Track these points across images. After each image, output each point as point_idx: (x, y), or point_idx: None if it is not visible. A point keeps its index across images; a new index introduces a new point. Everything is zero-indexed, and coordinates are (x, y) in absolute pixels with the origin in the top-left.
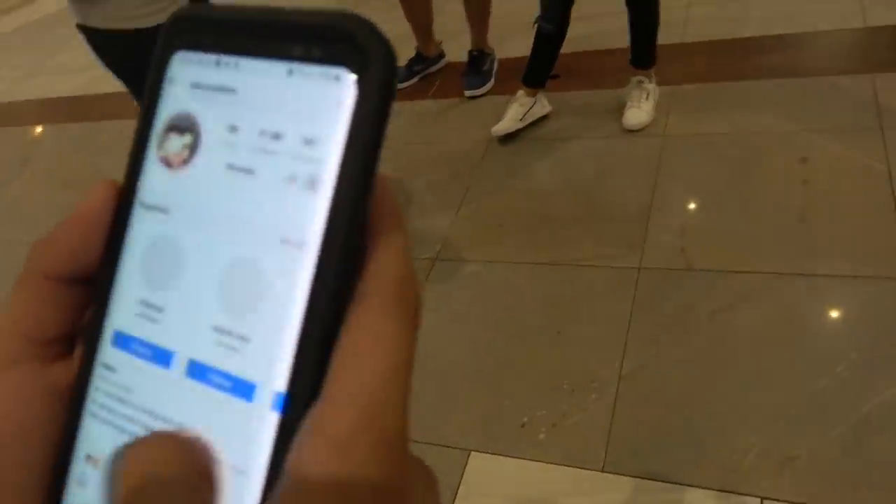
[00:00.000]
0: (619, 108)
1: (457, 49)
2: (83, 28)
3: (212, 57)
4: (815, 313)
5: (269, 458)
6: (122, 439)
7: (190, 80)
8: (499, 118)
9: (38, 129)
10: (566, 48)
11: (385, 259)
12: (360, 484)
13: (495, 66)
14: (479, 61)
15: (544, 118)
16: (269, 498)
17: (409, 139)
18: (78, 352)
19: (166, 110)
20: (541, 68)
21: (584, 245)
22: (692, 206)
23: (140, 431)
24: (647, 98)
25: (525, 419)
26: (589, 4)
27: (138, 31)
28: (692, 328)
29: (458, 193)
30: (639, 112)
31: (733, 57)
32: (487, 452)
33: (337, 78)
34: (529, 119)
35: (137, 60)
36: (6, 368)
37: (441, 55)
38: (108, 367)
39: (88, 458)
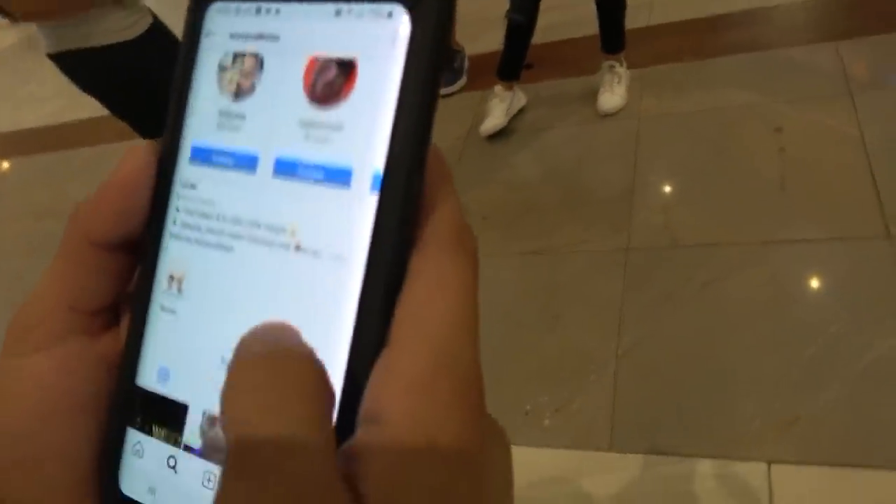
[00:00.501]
0: (593, 94)
1: None
2: (57, 55)
3: (251, 5)
4: (803, 278)
5: (370, 243)
6: (210, 255)
7: (229, 30)
8: (476, 114)
9: (6, 164)
10: (537, 38)
11: (442, 209)
12: (444, 428)
13: (466, 62)
14: (449, 58)
15: (521, 110)
16: (352, 436)
17: None
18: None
19: (210, 60)
20: (514, 60)
21: (570, 231)
22: (673, 183)
23: (229, 243)
24: (619, 82)
25: (528, 407)
26: None
27: (122, 44)
28: (684, 303)
29: None
30: (612, 96)
31: (700, 36)
32: None
33: (390, 14)
34: (513, 112)
35: (121, 74)
36: (54, 344)
37: None
38: (189, 185)
39: (171, 278)
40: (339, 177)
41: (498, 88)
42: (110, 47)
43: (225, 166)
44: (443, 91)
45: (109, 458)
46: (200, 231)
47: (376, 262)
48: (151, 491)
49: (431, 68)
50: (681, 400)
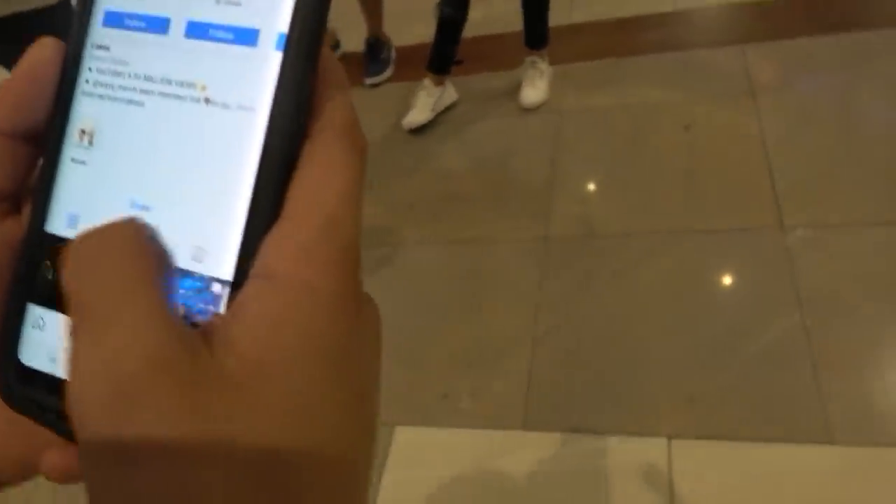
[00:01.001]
0: (516, 89)
1: (354, 39)
2: None
3: None
4: (707, 265)
5: (273, 95)
6: (122, 110)
7: None
8: (402, 105)
9: None
10: (468, 32)
11: (334, 104)
12: (324, 285)
13: (393, 53)
14: (376, 49)
15: (451, 105)
16: (239, 289)
17: None
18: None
19: None
20: (445, 54)
21: (492, 221)
22: (590, 176)
23: (140, 98)
24: (541, 77)
25: (446, 391)
26: None
27: (47, 9)
28: (598, 289)
29: (366, 180)
30: (534, 91)
31: (618, 35)
32: (411, 426)
33: None
34: (440, 108)
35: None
36: None
37: (336, 46)
38: (101, 47)
39: (82, 132)
40: (246, 37)
41: (427, 82)
42: (36, 12)
43: (137, 29)
44: (369, 81)
45: (9, 331)
46: (112, 88)
47: (279, 113)
48: (52, 360)
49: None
50: (593, 381)
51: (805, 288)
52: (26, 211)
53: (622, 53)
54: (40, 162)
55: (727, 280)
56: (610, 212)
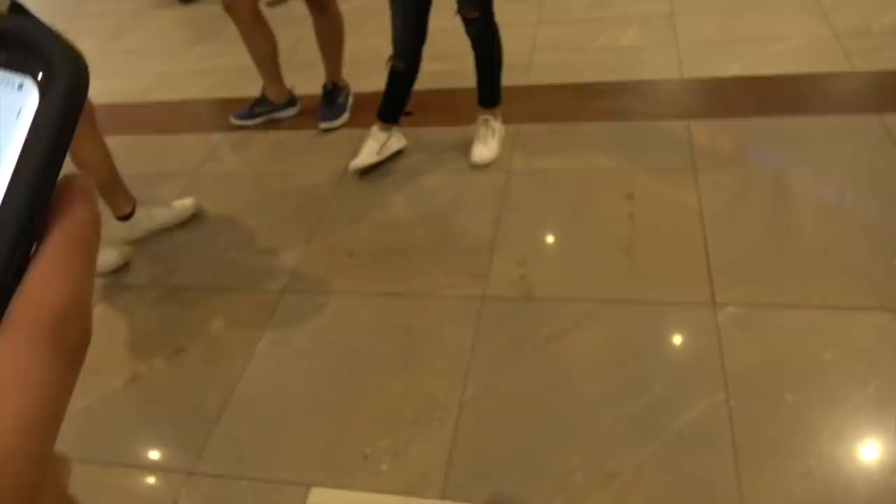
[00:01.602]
0: (469, 145)
1: (311, 82)
2: None
3: None
4: (638, 337)
5: None
6: None
7: None
8: (354, 151)
9: None
10: (422, 85)
11: (46, 283)
12: None
13: (350, 99)
14: (333, 95)
15: (399, 152)
16: None
17: (260, 170)
18: None
19: None
20: (394, 105)
21: (431, 275)
22: (532, 237)
23: None
24: (493, 136)
25: (368, 451)
26: (444, 44)
27: None
28: (529, 354)
29: (310, 225)
30: (485, 148)
31: (570, 100)
32: (328, 487)
33: (20, 86)
34: (386, 153)
35: None
36: None
37: (292, 102)
38: None
39: None
40: None
41: (375, 128)
42: None
43: None
44: (325, 126)
45: None
46: None
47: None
48: None
49: (49, 149)
50: (515, 449)
51: (732, 367)
52: None
53: (574, 118)
54: None
55: (656, 354)
56: (548, 276)
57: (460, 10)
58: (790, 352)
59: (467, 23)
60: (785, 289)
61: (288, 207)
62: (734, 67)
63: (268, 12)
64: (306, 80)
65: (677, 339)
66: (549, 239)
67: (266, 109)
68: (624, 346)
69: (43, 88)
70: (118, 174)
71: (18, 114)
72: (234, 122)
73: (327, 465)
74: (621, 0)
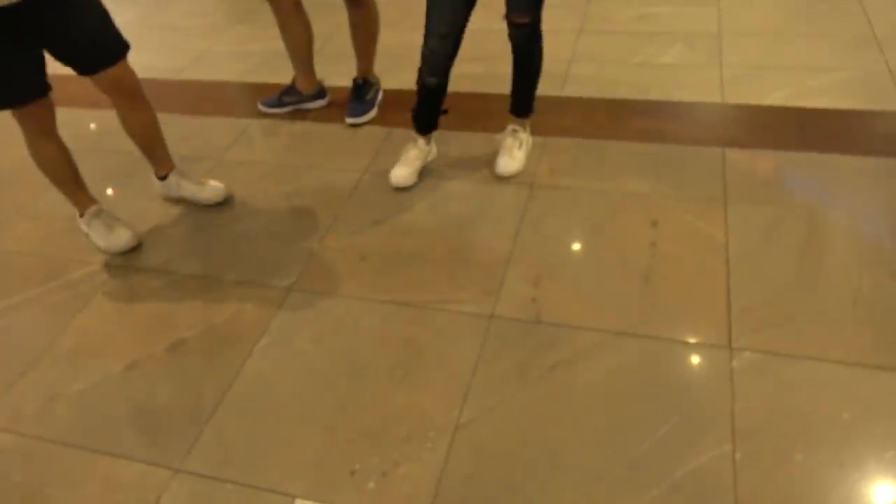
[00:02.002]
0: (495, 153)
1: (342, 74)
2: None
3: None
4: (647, 375)
5: None
6: None
7: None
8: (378, 147)
9: None
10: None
11: None
12: None
13: (379, 95)
14: (363, 90)
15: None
16: None
17: (283, 160)
18: None
19: None
20: (431, 117)
21: (441, 288)
22: (548, 257)
23: None
24: (519, 147)
25: (357, 466)
26: (478, 47)
27: None
28: (532, 381)
29: (325, 221)
30: (511, 161)
31: (604, 116)
32: (312, 500)
33: None
34: (419, 165)
35: (58, 21)
36: None
37: (321, 93)
38: None
39: None
40: None
41: (420, 141)
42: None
43: None
44: (352, 121)
45: None
46: None
47: None
48: None
49: None
50: (505, 481)
51: (742, 417)
52: None
53: (605, 136)
54: None
55: (664, 395)
56: (561, 299)
57: (509, 14)
58: (805, 407)
59: (515, 27)
60: (807, 339)
61: (306, 202)
62: (778, 96)
63: (305, 1)
64: (337, 72)
65: (688, 382)
66: (566, 261)
67: (294, 99)
68: (631, 383)
69: None
70: (162, 137)
71: None
72: (262, 109)
73: (314, 476)
74: (669, 15)
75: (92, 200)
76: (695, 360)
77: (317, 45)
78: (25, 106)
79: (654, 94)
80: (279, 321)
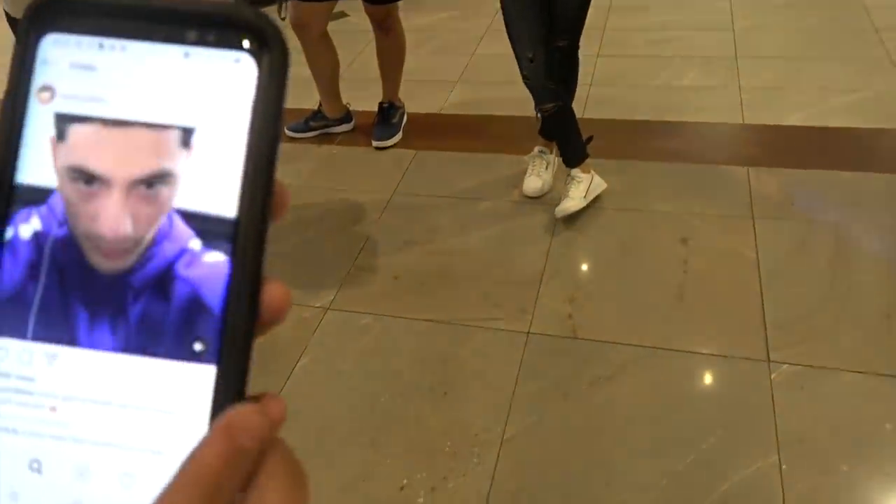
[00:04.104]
0: (523, 174)
1: (367, 99)
2: (7, 17)
3: (94, 39)
4: (687, 389)
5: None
6: None
7: (69, 61)
8: (403, 171)
9: None
10: (481, 110)
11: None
12: None
13: (404, 119)
14: (389, 113)
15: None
16: None
17: (311, 183)
18: None
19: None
20: (576, 143)
21: (477, 306)
22: (582, 275)
23: None
24: (546, 168)
25: (405, 481)
26: (506, 70)
27: None
28: (573, 396)
29: (357, 243)
30: (537, 179)
31: (627, 137)
32: None
33: (237, 61)
34: (591, 195)
35: None
36: None
37: (347, 118)
38: None
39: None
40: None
41: (576, 171)
42: None
43: None
44: (377, 144)
45: None
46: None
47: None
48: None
49: (279, 110)
50: (553, 495)
51: (785, 429)
52: None
53: (629, 156)
54: None
55: (705, 408)
56: (596, 316)
57: (550, 37)
58: (848, 418)
59: (554, 49)
60: (845, 352)
61: (336, 224)
62: (798, 116)
63: (331, 27)
64: (362, 96)
65: (728, 395)
66: (600, 278)
67: (321, 124)
68: (672, 397)
69: (259, 60)
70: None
71: (237, 84)
72: (289, 133)
73: (363, 492)
74: (684, 39)
75: None
76: (734, 374)
77: (341, 71)
78: None
79: (675, 116)
80: (318, 341)
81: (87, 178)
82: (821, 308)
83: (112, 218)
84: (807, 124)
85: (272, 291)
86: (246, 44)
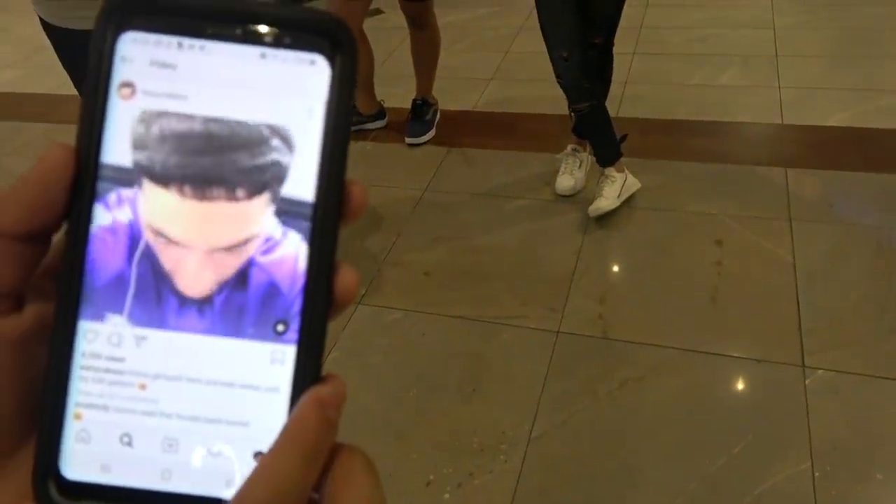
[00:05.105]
0: (555, 172)
1: (400, 96)
2: (52, 27)
3: (172, 39)
4: (719, 392)
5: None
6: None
7: (150, 58)
8: (436, 167)
9: None
10: (513, 107)
11: (256, 484)
12: None
13: (437, 116)
14: (422, 110)
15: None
16: None
17: None
18: (31, 308)
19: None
20: (610, 142)
21: (506, 304)
22: (613, 275)
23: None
24: (579, 166)
25: (431, 477)
26: (540, 68)
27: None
28: (603, 396)
29: (388, 239)
30: (570, 178)
31: (662, 137)
32: None
33: (312, 62)
34: (625, 195)
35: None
36: None
37: (381, 114)
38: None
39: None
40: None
41: (611, 170)
42: (83, 31)
43: None
44: (410, 141)
45: (49, 447)
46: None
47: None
48: (105, 468)
49: (348, 108)
50: (580, 496)
51: (819, 436)
52: (29, 308)
53: (664, 156)
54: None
55: (738, 412)
56: (627, 316)
57: (585, 34)
58: (884, 427)
59: (590, 47)
60: (880, 359)
61: (368, 219)
62: (839, 117)
63: (366, 24)
64: (396, 93)
65: (761, 399)
66: (631, 278)
67: (355, 120)
68: (704, 400)
69: (332, 61)
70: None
71: (312, 84)
72: None
73: (389, 486)
74: (723, 37)
75: None
76: (767, 378)
77: (375, 67)
78: None
79: (712, 115)
80: (348, 335)
81: (167, 239)
82: (858, 314)
83: (192, 276)
84: (848, 125)
85: (344, 275)
86: (320, 46)
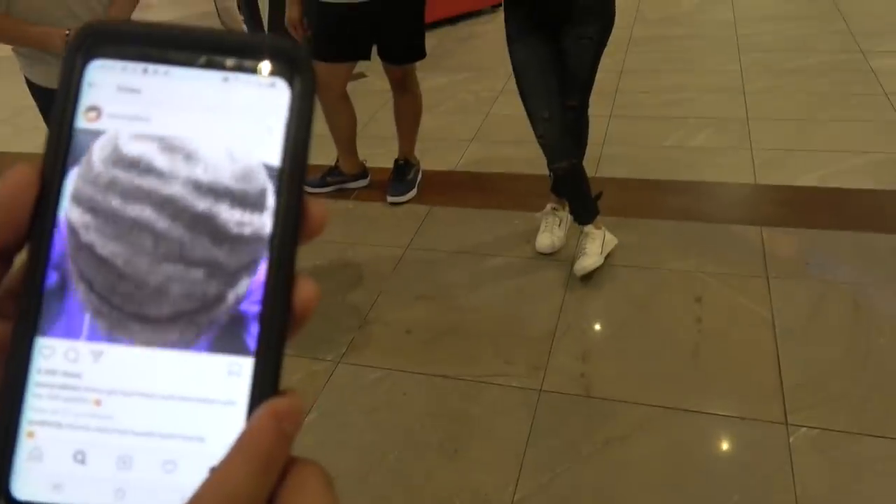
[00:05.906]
0: (535, 231)
1: (383, 156)
2: (37, 87)
3: (138, 65)
4: (703, 451)
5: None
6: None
7: (116, 83)
8: (416, 227)
9: None
10: (492, 167)
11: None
12: None
13: (419, 176)
14: (404, 170)
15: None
16: None
17: (326, 236)
18: None
19: (89, 111)
20: (587, 201)
21: (488, 362)
22: (594, 333)
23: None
24: (559, 225)
25: None
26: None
27: None
28: (586, 456)
29: (370, 296)
30: (550, 236)
31: (639, 196)
32: None
33: (272, 85)
34: (606, 250)
35: None
36: None
37: (363, 174)
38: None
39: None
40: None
41: (589, 228)
42: None
43: None
44: (393, 200)
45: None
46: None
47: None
48: (55, 487)
49: (308, 129)
50: None
51: (805, 494)
52: None
53: (642, 215)
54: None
55: (722, 471)
56: (609, 375)
57: (563, 98)
58: (869, 486)
59: (567, 109)
60: (865, 416)
61: (350, 277)
62: (811, 177)
63: (349, 87)
64: (378, 153)
65: (745, 458)
66: (613, 337)
67: (338, 179)
68: (688, 460)
69: (291, 84)
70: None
71: (272, 106)
72: (307, 189)
73: None
74: (695, 101)
75: None
76: (751, 436)
77: (358, 128)
78: None
79: (688, 175)
80: (328, 394)
81: (126, 257)
82: (839, 370)
83: (150, 291)
84: (820, 184)
85: (302, 288)
86: (279, 69)
